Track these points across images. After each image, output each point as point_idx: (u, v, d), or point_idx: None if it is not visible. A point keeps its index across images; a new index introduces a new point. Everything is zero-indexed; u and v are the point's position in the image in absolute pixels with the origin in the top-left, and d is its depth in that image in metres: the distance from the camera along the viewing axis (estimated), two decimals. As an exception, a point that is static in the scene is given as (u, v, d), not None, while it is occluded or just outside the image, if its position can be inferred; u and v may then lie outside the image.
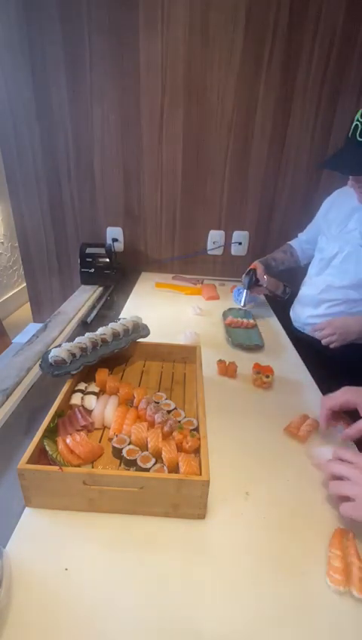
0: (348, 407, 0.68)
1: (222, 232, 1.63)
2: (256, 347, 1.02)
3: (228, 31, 1.30)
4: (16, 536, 0.49)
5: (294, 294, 1.27)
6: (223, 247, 1.66)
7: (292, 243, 1.39)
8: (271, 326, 1.20)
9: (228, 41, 1.31)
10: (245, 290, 1.24)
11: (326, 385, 0.86)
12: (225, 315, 1.20)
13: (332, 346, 1.01)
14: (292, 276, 1.33)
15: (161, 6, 1.28)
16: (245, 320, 1.14)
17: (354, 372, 0.87)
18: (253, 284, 1.24)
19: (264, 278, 1.23)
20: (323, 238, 1.16)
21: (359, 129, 0.83)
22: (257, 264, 1.27)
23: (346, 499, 0.52)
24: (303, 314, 1.17)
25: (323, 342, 1.02)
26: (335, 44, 1.30)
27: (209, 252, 1.67)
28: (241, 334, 1.08)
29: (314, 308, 1.13)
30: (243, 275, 1.27)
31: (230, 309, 1.23)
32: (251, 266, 1.27)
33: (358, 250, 1.02)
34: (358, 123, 0.83)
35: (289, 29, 1.28)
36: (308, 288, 1.17)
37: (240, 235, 1.64)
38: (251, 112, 1.41)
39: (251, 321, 1.14)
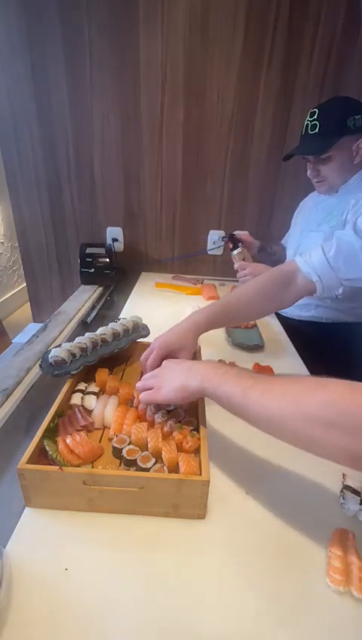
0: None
1: (222, 232, 1.63)
2: (256, 347, 1.02)
3: (228, 30, 1.30)
4: (16, 536, 0.49)
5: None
6: (223, 247, 1.66)
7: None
8: (271, 326, 1.20)
9: (228, 41, 1.31)
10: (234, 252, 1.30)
11: (317, 370, 0.89)
12: None
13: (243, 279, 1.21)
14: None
15: (161, 6, 1.28)
16: None
17: (340, 353, 1.02)
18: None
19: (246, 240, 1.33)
20: (292, 234, 1.31)
21: (309, 126, 1.04)
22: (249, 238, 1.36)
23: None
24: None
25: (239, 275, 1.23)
26: (335, 44, 1.30)
27: (209, 252, 1.67)
28: (241, 334, 1.08)
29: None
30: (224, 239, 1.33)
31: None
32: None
33: (317, 237, 1.13)
34: (308, 122, 1.04)
35: (290, 28, 1.29)
36: (291, 308, 1.22)
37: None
38: (251, 112, 1.41)
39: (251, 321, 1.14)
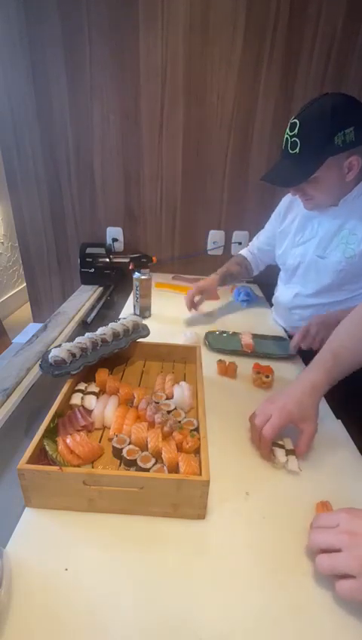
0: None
1: (222, 232, 1.63)
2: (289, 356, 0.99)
3: (228, 30, 1.30)
4: (16, 536, 0.49)
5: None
6: (223, 247, 1.66)
7: (245, 254, 1.37)
8: (271, 326, 1.20)
9: (228, 41, 1.31)
10: None
11: None
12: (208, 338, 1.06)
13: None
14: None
15: (161, 5, 1.28)
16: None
17: None
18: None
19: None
20: (282, 247, 1.16)
21: (289, 142, 0.87)
22: (211, 281, 1.26)
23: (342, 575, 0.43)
24: (284, 318, 1.19)
25: (315, 347, 0.93)
26: (335, 44, 1.30)
27: (209, 252, 1.67)
28: (269, 345, 1.04)
29: (290, 313, 1.15)
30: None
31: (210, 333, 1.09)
32: (203, 283, 1.23)
33: (316, 260, 1.02)
34: (288, 137, 0.87)
35: (289, 28, 1.28)
36: (281, 295, 1.19)
37: (240, 235, 1.64)
38: (251, 112, 1.41)
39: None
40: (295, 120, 0.85)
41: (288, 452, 0.64)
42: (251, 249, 1.36)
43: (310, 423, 0.64)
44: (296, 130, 0.84)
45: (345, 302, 1.01)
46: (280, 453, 0.63)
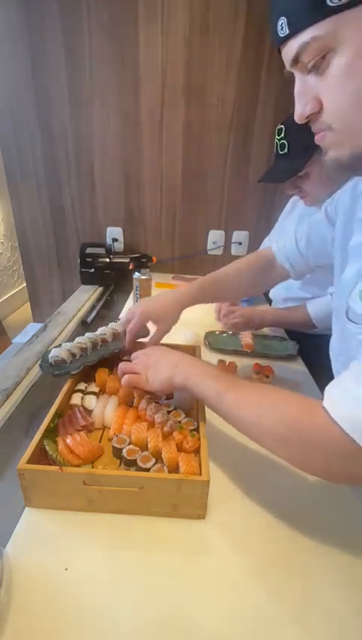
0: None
1: (222, 232, 1.63)
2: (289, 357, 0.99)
3: (228, 31, 1.30)
4: (16, 536, 0.49)
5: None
6: (223, 247, 1.66)
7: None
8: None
9: (228, 41, 1.31)
10: None
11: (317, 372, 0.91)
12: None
13: (231, 328, 1.08)
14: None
15: (161, 5, 1.28)
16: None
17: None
18: None
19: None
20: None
21: (278, 145, 0.97)
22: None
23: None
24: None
25: (229, 325, 1.08)
26: (335, 44, 1.30)
27: (209, 252, 1.67)
28: (269, 345, 1.04)
29: (283, 305, 1.21)
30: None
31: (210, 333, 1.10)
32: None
33: None
34: (276, 141, 0.98)
35: (289, 29, 1.28)
36: (276, 288, 1.25)
37: (240, 235, 1.64)
38: (251, 111, 1.41)
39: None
40: (281, 126, 0.96)
41: None
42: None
43: (164, 325, 0.78)
44: (282, 134, 0.95)
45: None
46: None
